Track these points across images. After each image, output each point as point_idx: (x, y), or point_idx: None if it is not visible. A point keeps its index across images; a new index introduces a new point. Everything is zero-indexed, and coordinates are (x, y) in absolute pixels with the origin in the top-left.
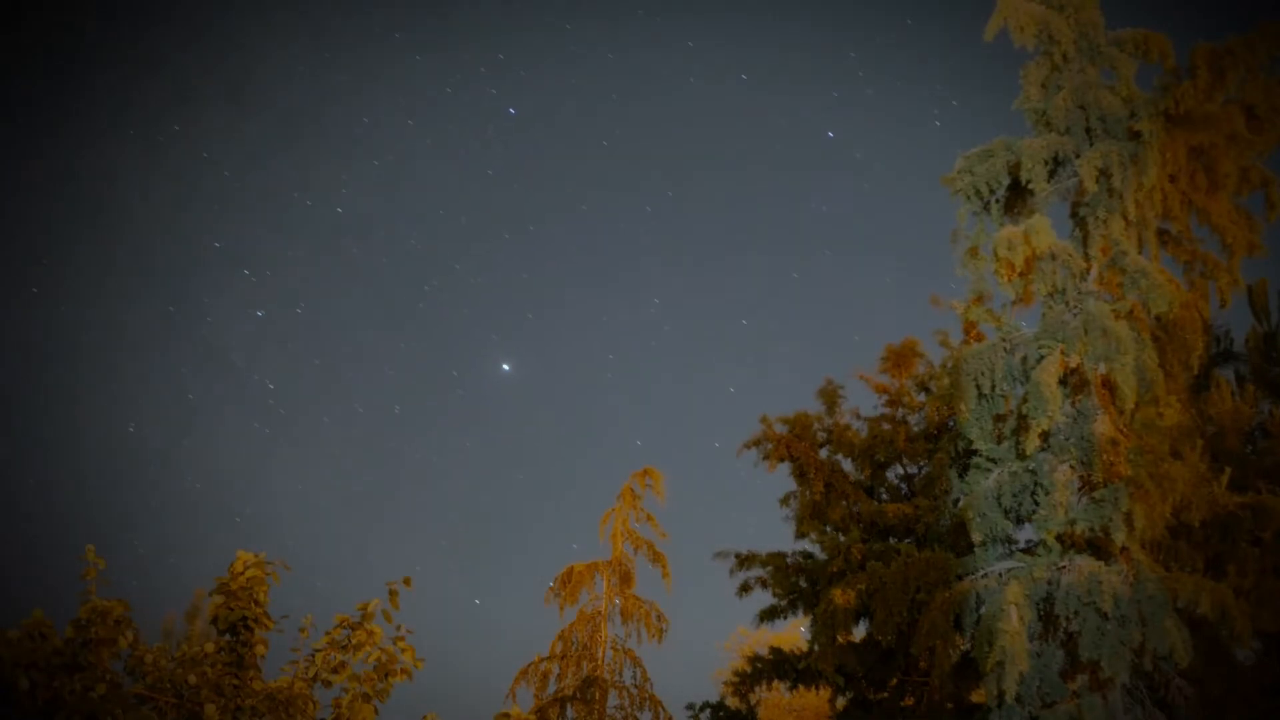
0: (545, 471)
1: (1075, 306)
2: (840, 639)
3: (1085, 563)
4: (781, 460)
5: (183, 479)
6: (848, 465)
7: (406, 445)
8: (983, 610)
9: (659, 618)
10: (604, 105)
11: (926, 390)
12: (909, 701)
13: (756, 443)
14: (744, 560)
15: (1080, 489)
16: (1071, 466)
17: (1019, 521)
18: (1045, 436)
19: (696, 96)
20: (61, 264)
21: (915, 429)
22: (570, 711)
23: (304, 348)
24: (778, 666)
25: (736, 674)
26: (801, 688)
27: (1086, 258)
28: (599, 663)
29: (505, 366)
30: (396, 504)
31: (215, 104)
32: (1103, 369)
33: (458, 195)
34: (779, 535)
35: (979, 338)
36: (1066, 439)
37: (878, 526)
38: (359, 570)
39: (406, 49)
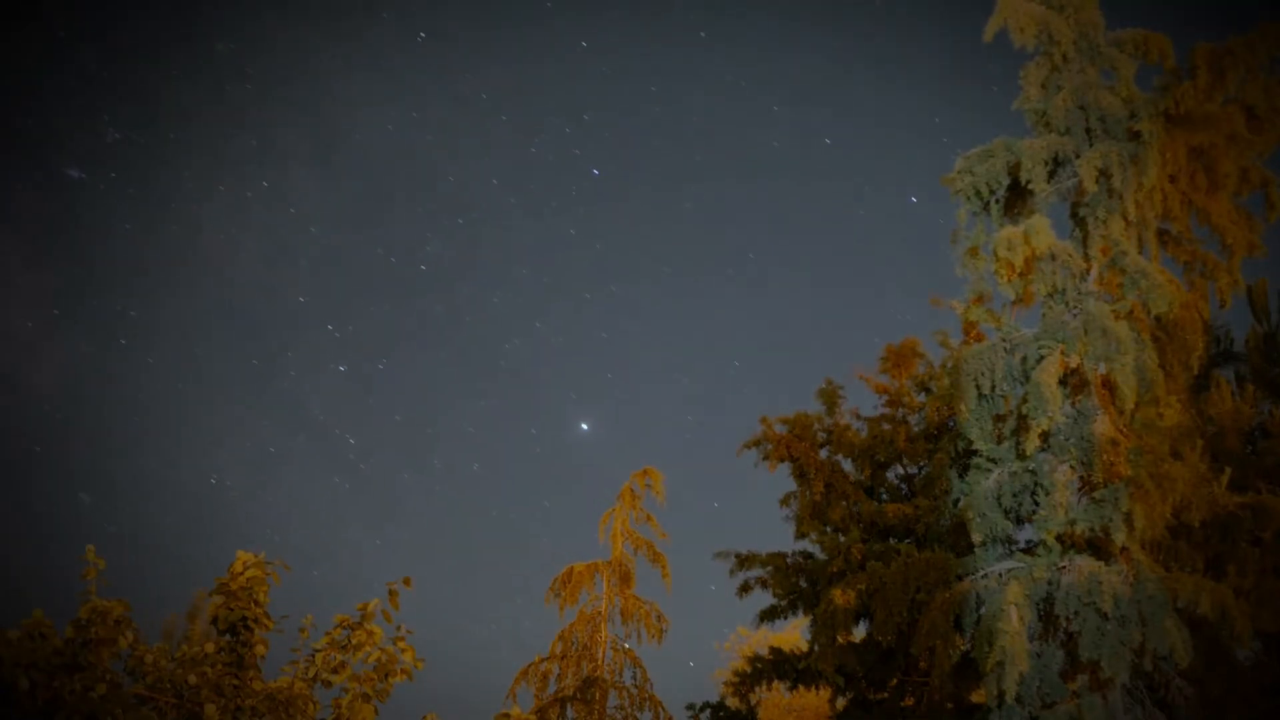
0: None
1: (1075, 307)
2: (840, 639)
3: (1085, 563)
4: (782, 460)
5: (262, 531)
6: (848, 465)
7: (485, 502)
8: (983, 610)
9: (659, 618)
10: (688, 169)
11: (926, 390)
12: (909, 701)
13: (756, 443)
14: (744, 560)
15: (1080, 489)
16: (1071, 467)
17: (1019, 521)
18: (1045, 436)
19: (780, 161)
20: (150, 316)
21: (915, 429)
22: (570, 711)
23: (384, 403)
24: (778, 666)
25: (736, 674)
26: (801, 688)
27: (1086, 258)
28: (599, 663)
29: (584, 426)
30: (476, 560)
31: (303, 161)
32: (1103, 369)
33: (540, 254)
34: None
35: (979, 338)
36: (1066, 439)
37: (878, 526)
38: (438, 621)
39: (492, 109)
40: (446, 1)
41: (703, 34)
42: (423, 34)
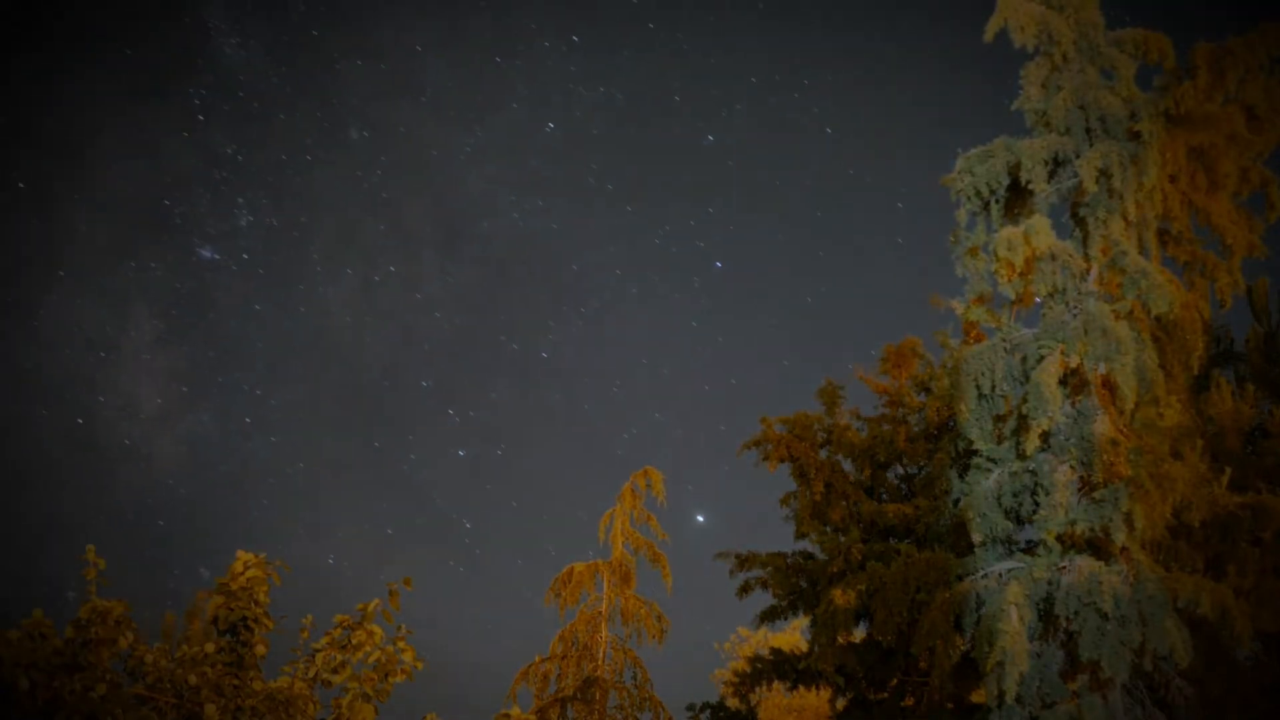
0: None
1: (1075, 307)
2: (840, 639)
3: (1085, 563)
4: (782, 460)
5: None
6: (848, 466)
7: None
8: (983, 610)
9: (659, 618)
10: (810, 263)
11: (927, 390)
12: (909, 701)
13: (757, 443)
14: (744, 561)
15: (1080, 489)
16: (1071, 467)
17: (1019, 521)
18: (1045, 437)
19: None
20: (275, 395)
21: (915, 429)
22: (570, 712)
23: (502, 489)
24: (778, 667)
25: (736, 674)
26: (801, 688)
27: (1086, 258)
28: (599, 663)
29: (699, 518)
30: None
31: (431, 248)
32: (1103, 369)
33: (661, 345)
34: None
35: (979, 338)
36: (1066, 439)
37: (878, 527)
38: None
39: (619, 199)
40: (575, 96)
41: (829, 130)
42: (551, 124)
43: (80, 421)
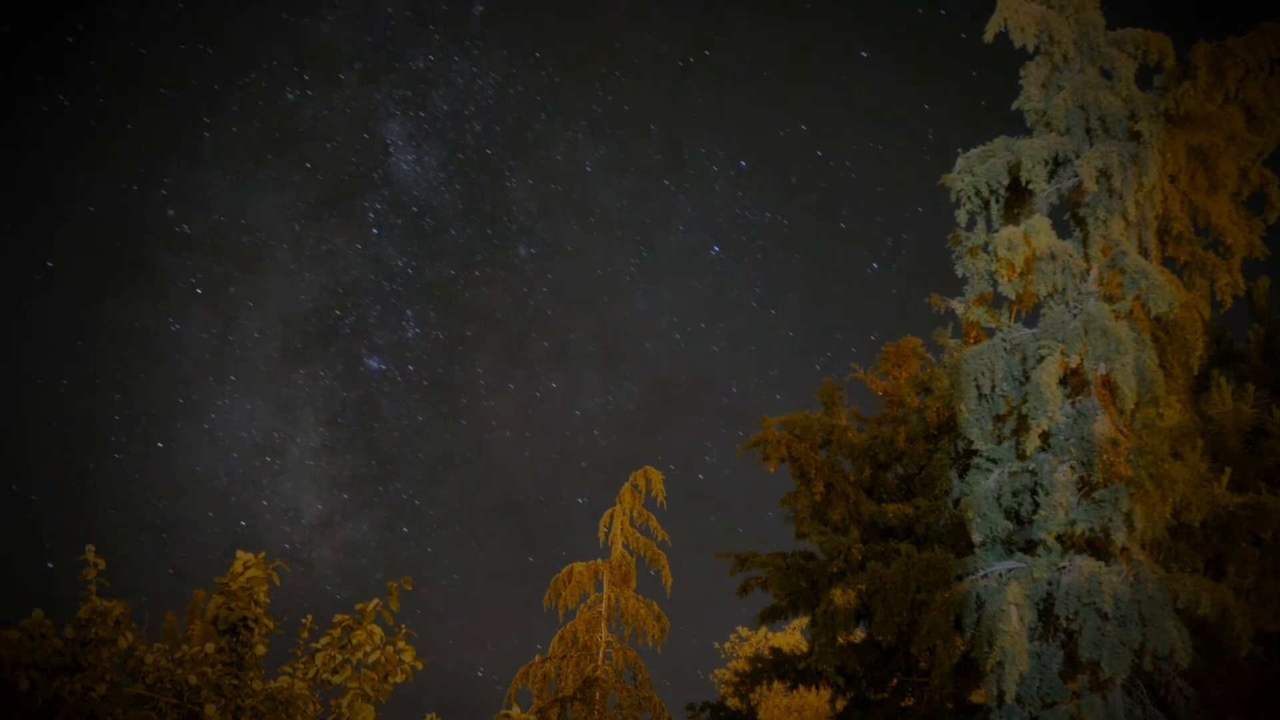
0: None
1: (1075, 307)
2: (840, 639)
3: (1085, 563)
4: (782, 461)
5: None
6: (848, 466)
7: None
8: (983, 610)
9: (659, 618)
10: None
11: (927, 390)
12: (909, 701)
13: (756, 443)
14: (744, 561)
15: (1080, 489)
16: (1071, 467)
17: (1019, 521)
18: (1045, 437)
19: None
20: (434, 506)
21: (915, 429)
22: (570, 712)
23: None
24: (778, 667)
25: (737, 674)
26: (801, 688)
27: (1087, 258)
28: (599, 663)
29: None
30: None
31: (592, 365)
32: (1103, 369)
33: None
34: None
35: (979, 338)
36: (1066, 439)
37: (878, 527)
38: None
39: (780, 323)
40: (741, 220)
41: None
42: (716, 247)
43: (243, 524)
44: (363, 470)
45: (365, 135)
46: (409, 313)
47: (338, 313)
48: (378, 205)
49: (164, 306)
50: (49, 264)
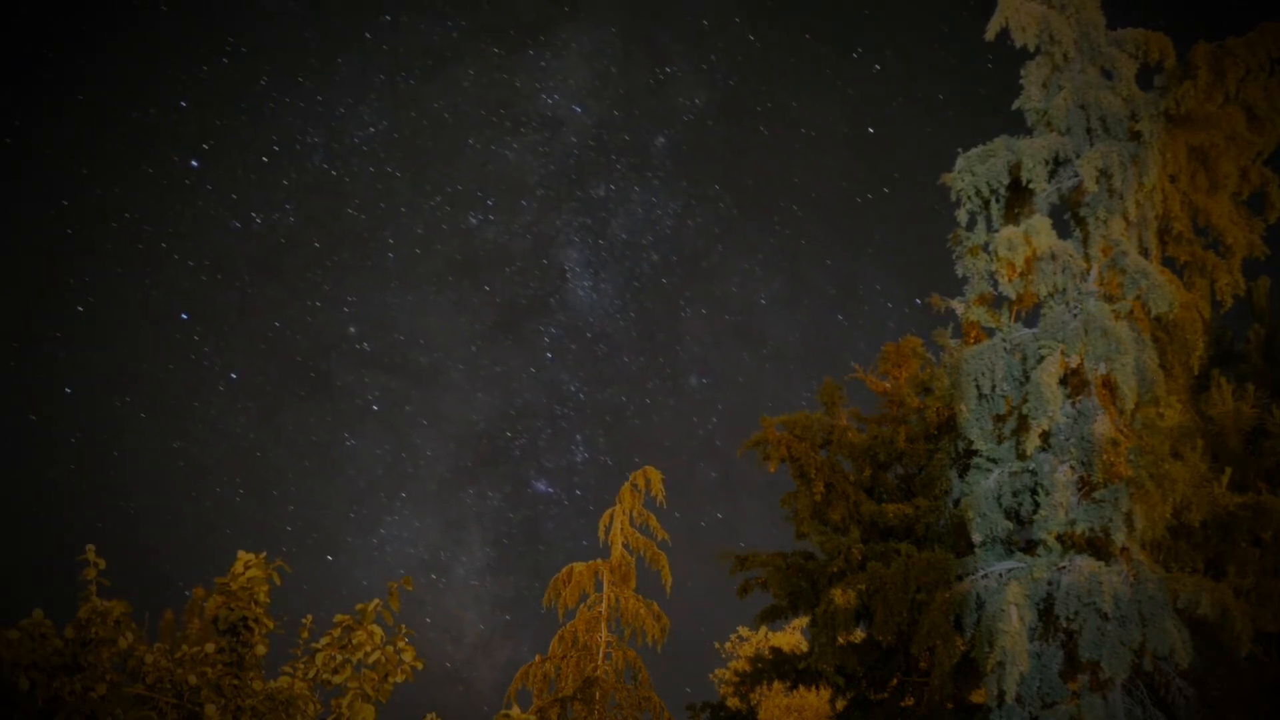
0: None
1: (1075, 307)
2: (840, 639)
3: (1085, 563)
4: (782, 461)
5: None
6: (848, 466)
7: None
8: (983, 610)
9: (659, 618)
10: None
11: (927, 390)
12: (909, 701)
13: (756, 443)
14: (744, 561)
15: (1080, 489)
16: (1071, 467)
17: (1019, 521)
18: (1045, 437)
19: None
20: None
21: (915, 429)
22: (570, 712)
23: None
24: (778, 667)
25: (737, 674)
26: (801, 688)
27: (1087, 258)
28: (599, 663)
29: None
30: None
31: (757, 498)
32: (1103, 369)
33: None
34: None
35: (979, 338)
36: (1066, 439)
37: (878, 527)
38: None
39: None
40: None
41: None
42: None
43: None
44: (526, 592)
45: (544, 260)
46: (578, 437)
47: (508, 434)
48: (553, 330)
49: (340, 421)
50: (233, 375)
